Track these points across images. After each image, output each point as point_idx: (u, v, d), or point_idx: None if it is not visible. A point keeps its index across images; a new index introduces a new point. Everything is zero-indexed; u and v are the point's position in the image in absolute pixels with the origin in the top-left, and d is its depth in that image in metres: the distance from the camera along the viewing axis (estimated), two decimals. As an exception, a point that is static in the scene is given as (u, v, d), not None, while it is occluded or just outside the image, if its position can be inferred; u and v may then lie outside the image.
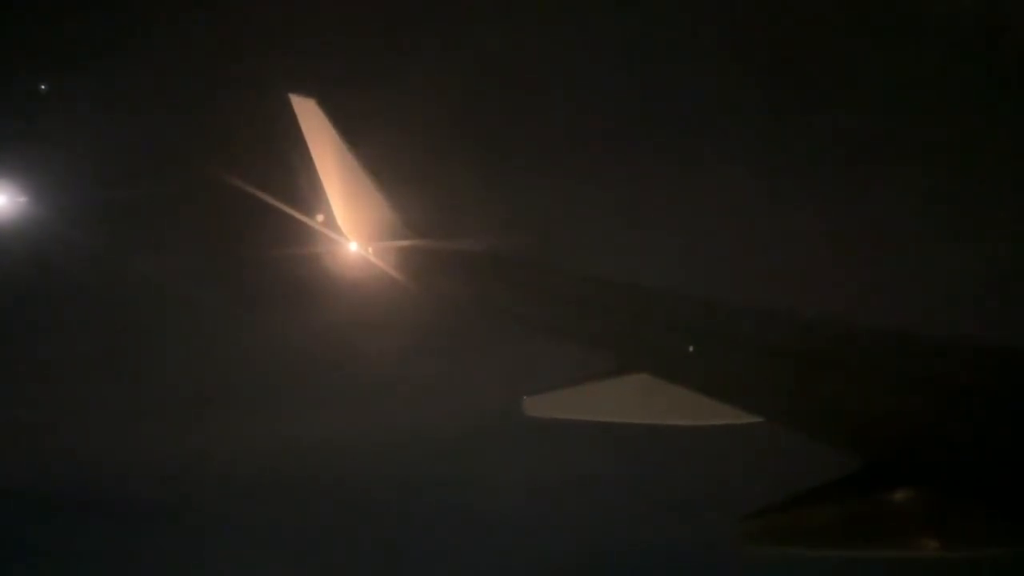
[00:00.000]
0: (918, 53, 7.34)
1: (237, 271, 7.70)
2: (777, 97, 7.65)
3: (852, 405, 2.82)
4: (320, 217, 5.76)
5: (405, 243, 5.50)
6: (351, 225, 5.72)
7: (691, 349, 3.32)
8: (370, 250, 5.64)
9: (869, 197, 7.25)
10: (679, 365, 3.37)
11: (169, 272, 8.15)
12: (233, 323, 8.05)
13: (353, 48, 8.28)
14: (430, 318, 6.54)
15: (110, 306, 8.30)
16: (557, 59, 8.25)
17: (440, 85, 8.13)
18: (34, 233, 8.36)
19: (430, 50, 8.39)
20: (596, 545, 7.43)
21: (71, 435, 7.95)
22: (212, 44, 8.08)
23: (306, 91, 5.67)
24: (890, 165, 7.36)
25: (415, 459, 7.83)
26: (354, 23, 8.20)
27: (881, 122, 7.43)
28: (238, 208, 6.55)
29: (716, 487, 6.47)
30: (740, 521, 2.75)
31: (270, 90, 6.46)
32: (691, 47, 8.02)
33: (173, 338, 8.30)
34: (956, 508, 2.50)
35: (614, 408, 3.77)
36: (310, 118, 5.62)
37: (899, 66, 7.47)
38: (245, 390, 8.04)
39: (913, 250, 6.93)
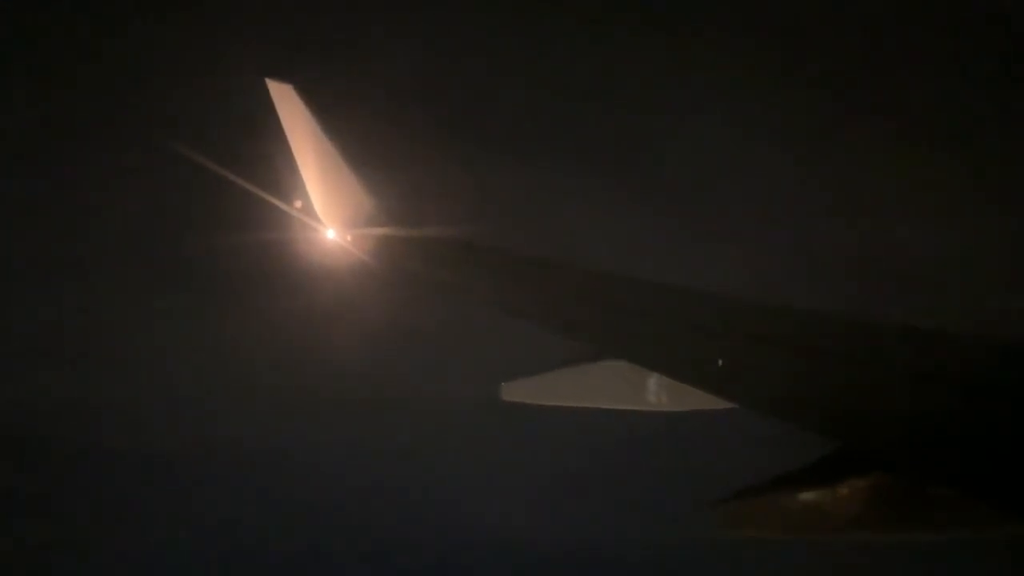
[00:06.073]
0: (920, 51, 7.40)
1: (212, 258, 7.64)
2: (763, 89, 7.69)
3: (829, 391, 2.85)
4: (297, 204, 5.71)
5: (384, 230, 5.48)
6: (329, 212, 5.68)
7: (670, 336, 3.34)
8: (348, 237, 5.60)
9: (857, 186, 7.31)
10: (656, 352, 3.40)
11: (145, 260, 8.07)
12: (208, 312, 7.99)
13: (331, 34, 8.22)
14: (409, 306, 6.53)
15: (76, 294, 8.19)
16: (534, 47, 8.24)
17: (420, 73, 8.09)
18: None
19: (409, 37, 8.34)
20: (572, 530, 7.48)
21: (38, 431, 7.86)
22: (188, 27, 7.98)
23: (283, 77, 5.61)
24: (884, 157, 7.43)
25: (393, 447, 7.84)
26: (334, 7, 8.13)
27: (879, 115, 7.49)
28: (213, 194, 6.49)
29: (692, 472, 6.54)
30: (716, 506, 2.78)
31: (247, 75, 6.39)
32: (676, 40, 8.04)
33: (145, 327, 8.22)
34: (930, 493, 2.55)
35: (592, 394, 3.81)
36: (287, 104, 5.56)
37: (900, 63, 7.52)
38: (220, 380, 7.98)
39: (905, 243, 7.02)
